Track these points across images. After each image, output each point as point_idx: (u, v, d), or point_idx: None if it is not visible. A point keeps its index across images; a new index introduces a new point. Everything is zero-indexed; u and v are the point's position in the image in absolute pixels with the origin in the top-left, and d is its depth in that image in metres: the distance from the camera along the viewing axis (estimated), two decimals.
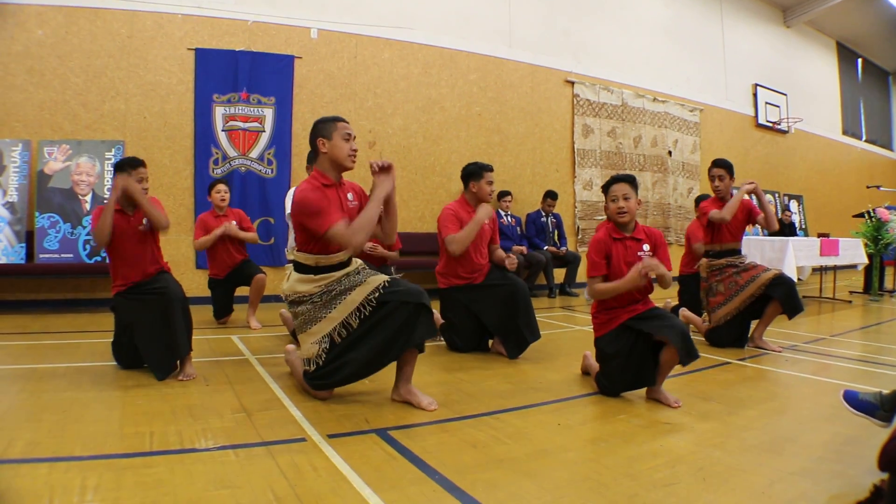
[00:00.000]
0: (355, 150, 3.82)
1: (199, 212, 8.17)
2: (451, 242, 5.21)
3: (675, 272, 6.71)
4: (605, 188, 4.12)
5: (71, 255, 7.58)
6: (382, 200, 3.71)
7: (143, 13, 8.21)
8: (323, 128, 3.79)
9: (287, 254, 5.83)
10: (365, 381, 3.86)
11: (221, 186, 6.77)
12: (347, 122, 3.87)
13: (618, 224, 4.06)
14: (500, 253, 5.55)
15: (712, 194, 6.34)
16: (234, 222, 6.76)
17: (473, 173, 5.46)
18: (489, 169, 5.45)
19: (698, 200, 7.36)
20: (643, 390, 3.98)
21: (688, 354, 3.63)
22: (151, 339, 4.28)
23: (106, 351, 4.61)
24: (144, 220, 4.57)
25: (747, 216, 6.02)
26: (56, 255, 7.54)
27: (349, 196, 3.87)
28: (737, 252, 5.99)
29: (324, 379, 3.65)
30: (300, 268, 3.75)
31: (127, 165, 4.47)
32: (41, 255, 7.51)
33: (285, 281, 3.87)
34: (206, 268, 7.07)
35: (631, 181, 4.06)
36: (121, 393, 3.84)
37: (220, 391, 3.91)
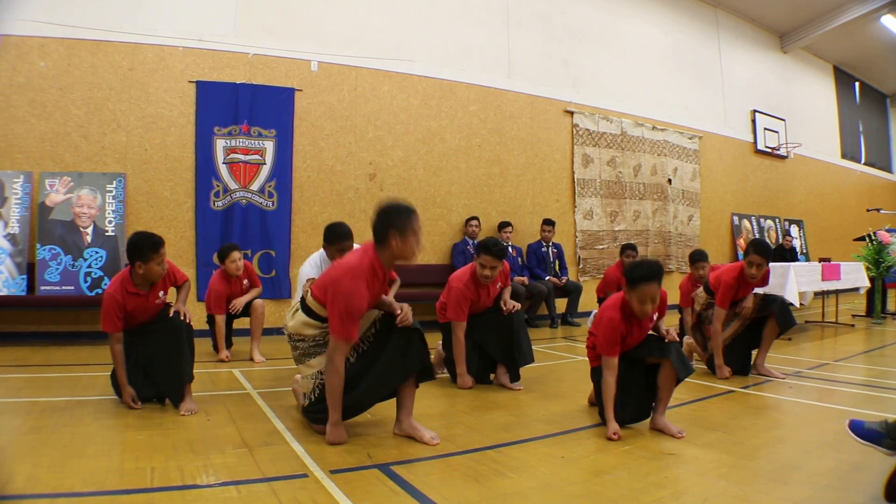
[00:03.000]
0: (420, 244, 3.67)
1: (199, 245, 8.22)
2: (455, 326, 5.25)
3: (675, 300, 6.71)
4: (634, 281, 3.74)
5: (72, 288, 7.57)
6: (333, 396, 3.56)
7: (145, 46, 8.27)
8: (399, 221, 3.53)
9: (302, 291, 5.80)
10: (367, 415, 3.84)
11: (236, 254, 6.64)
12: (418, 215, 3.64)
13: (640, 314, 3.83)
14: (507, 296, 5.50)
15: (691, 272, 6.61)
16: (245, 281, 6.76)
17: (476, 249, 5.43)
18: (488, 251, 5.18)
19: (694, 257, 7.25)
20: (646, 421, 3.96)
21: (684, 368, 3.65)
22: (164, 367, 4.30)
23: (107, 384, 4.59)
24: (161, 294, 4.54)
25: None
26: (57, 288, 7.54)
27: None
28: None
29: (321, 413, 3.63)
30: (309, 312, 3.73)
31: (148, 249, 4.28)
32: (42, 288, 7.50)
33: (290, 317, 3.86)
34: (204, 300, 7.06)
35: (660, 275, 3.78)
36: (121, 427, 3.82)
37: (222, 426, 3.89)
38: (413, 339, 3.61)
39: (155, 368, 4.34)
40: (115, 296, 4.26)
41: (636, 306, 3.73)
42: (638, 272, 3.74)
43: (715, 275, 5.99)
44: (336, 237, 5.20)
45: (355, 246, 4.97)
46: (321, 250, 5.47)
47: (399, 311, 3.61)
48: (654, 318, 4.00)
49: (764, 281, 5.89)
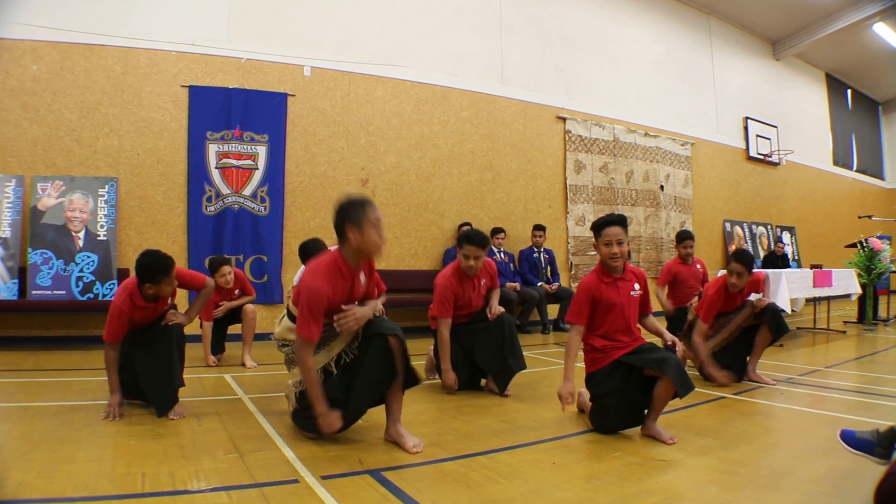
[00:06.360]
0: (385, 238, 3.64)
1: (191, 250, 8.20)
2: (440, 323, 5.23)
3: (658, 307, 6.73)
4: (597, 229, 4.06)
5: (63, 292, 7.55)
6: (311, 389, 3.56)
7: (138, 50, 8.26)
8: (353, 214, 3.52)
9: (285, 298, 5.83)
10: (358, 421, 3.83)
11: (226, 269, 6.60)
12: (375, 205, 3.63)
13: (609, 267, 4.06)
14: (494, 303, 5.51)
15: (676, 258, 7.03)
16: (237, 291, 6.75)
17: (458, 241, 5.46)
18: (470, 241, 5.24)
19: (681, 236, 7.30)
20: (637, 427, 3.97)
21: (684, 386, 3.63)
22: (151, 374, 4.28)
23: (98, 389, 4.58)
24: (169, 300, 4.53)
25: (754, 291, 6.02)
26: (49, 292, 7.52)
27: (361, 277, 3.74)
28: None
29: (308, 419, 3.65)
30: (292, 318, 3.75)
31: (159, 273, 4.23)
32: (34, 292, 7.48)
33: (278, 324, 3.89)
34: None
35: (623, 223, 4.03)
36: (112, 432, 3.81)
37: (213, 431, 3.88)
38: (389, 345, 3.56)
39: (143, 375, 4.33)
40: (123, 308, 4.23)
41: (604, 251, 3.99)
42: (599, 220, 4.09)
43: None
44: (307, 256, 5.23)
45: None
46: None
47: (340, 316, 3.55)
48: (636, 287, 4.11)
49: (754, 288, 5.91)
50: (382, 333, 3.55)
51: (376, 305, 3.79)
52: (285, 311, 3.90)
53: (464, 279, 5.34)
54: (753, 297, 5.89)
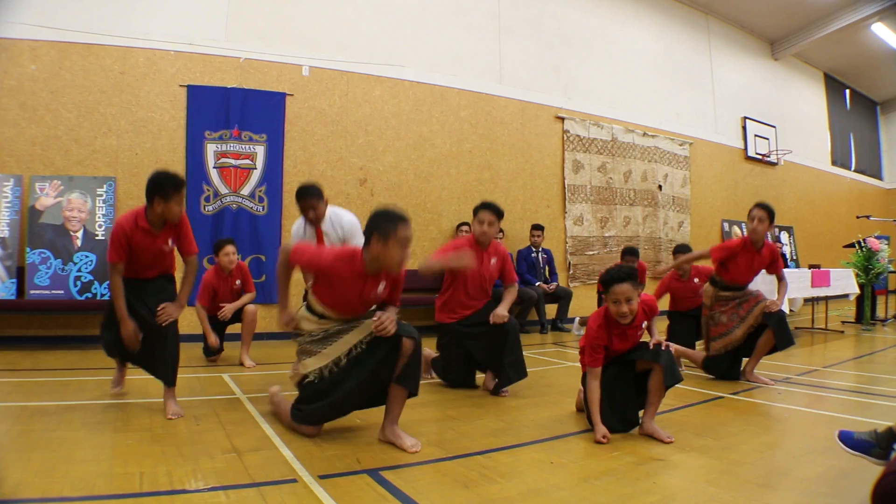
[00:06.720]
0: (407, 258, 3.63)
1: None
2: (428, 261, 5.12)
3: (663, 306, 6.72)
4: (605, 286, 3.86)
5: (62, 292, 7.54)
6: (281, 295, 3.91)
7: (136, 49, 8.25)
8: (383, 226, 3.50)
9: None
10: (356, 420, 3.84)
11: (230, 248, 6.70)
12: (409, 224, 3.60)
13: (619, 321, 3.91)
14: (502, 305, 5.42)
15: (686, 253, 6.87)
16: (238, 282, 6.77)
17: (474, 211, 5.48)
18: (485, 206, 5.38)
19: (677, 250, 7.26)
20: (635, 427, 3.97)
21: (672, 375, 3.70)
22: (150, 353, 4.32)
23: (96, 388, 4.58)
24: (170, 241, 4.47)
25: (769, 263, 6.00)
26: (47, 292, 7.51)
27: (380, 286, 3.75)
28: (744, 287, 5.98)
29: (307, 413, 3.70)
30: (309, 307, 3.83)
31: (170, 187, 4.19)
32: (32, 291, 7.47)
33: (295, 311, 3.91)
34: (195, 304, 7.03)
35: (632, 277, 3.81)
36: (110, 432, 3.80)
37: (211, 431, 3.87)
38: (399, 347, 3.61)
39: (146, 353, 4.37)
40: (125, 226, 4.21)
41: (612, 308, 3.82)
42: (608, 275, 3.85)
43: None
44: (299, 196, 5.40)
45: (334, 210, 5.55)
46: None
47: (376, 319, 3.60)
48: (643, 325, 4.02)
49: (771, 260, 5.94)
50: (398, 335, 3.59)
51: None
52: (304, 301, 3.93)
53: (476, 250, 5.39)
54: (766, 297, 5.89)
